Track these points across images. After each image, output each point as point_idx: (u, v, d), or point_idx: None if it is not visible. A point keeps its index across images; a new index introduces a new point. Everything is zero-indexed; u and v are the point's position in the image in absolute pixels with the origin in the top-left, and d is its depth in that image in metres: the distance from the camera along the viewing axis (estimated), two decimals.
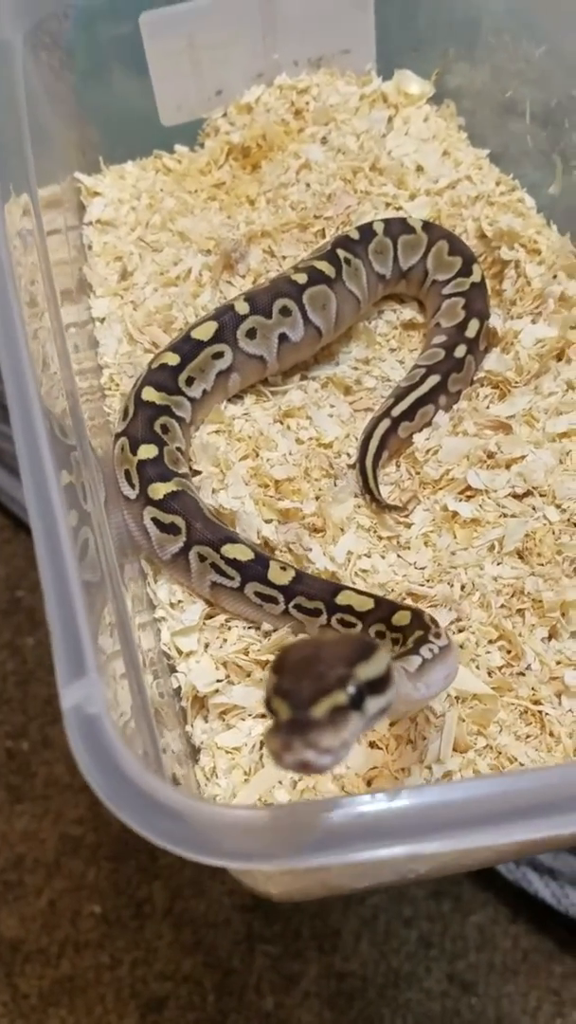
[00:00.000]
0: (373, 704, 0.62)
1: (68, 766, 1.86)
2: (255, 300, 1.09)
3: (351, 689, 0.60)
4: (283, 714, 0.58)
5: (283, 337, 1.10)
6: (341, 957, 1.71)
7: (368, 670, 0.62)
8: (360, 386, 1.16)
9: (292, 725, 0.57)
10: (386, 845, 0.56)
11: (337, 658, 0.62)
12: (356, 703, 0.60)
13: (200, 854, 0.57)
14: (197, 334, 1.07)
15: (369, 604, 0.90)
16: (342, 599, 0.90)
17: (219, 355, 1.07)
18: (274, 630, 0.95)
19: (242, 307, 1.09)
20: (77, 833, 1.81)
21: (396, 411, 1.09)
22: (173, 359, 1.05)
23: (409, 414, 1.09)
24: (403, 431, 1.09)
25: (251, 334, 1.09)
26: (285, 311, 1.10)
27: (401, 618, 0.87)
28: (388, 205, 1.28)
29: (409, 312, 1.23)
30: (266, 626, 0.95)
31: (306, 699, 0.58)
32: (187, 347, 1.06)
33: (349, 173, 1.30)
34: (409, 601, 0.97)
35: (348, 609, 0.90)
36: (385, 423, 1.08)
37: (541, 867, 1.60)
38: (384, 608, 0.89)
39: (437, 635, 0.81)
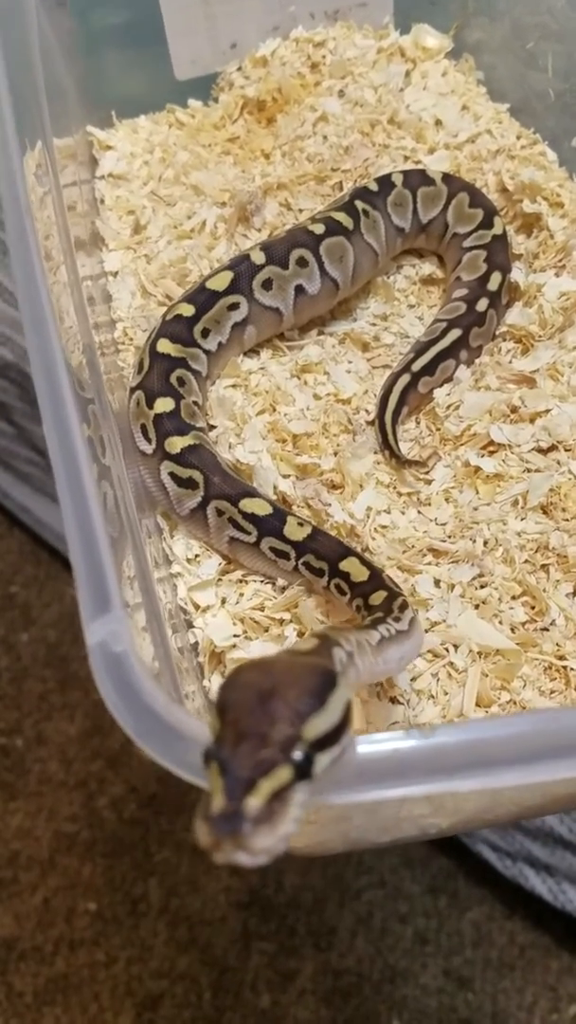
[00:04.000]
0: (324, 759, 0.55)
1: (62, 763, 1.86)
2: (271, 250, 1.07)
3: (297, 756, 0.54)
4: (216, 796, 0.52)
5: (299, 289, 1.08)
6: (337, 954, 1.71)
7: (320, 722, 0.55)
8: (378, 343, 1.13)
9: (223, 819, 0.51)
10: (418, 782, 0.54)
11: (286, 708, 0.55)
12: (303, 771, 0.54)
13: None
14: (212, 284, 1.05)
15: (364, 576, 0.86)
16: (344, 565, 0.87)
17: (234, 306, 1.05)
18: (289, 586, 0.93)
19: (258, 257, 1.06)
20: (71, 830, 1.80)
21: (416, 366, 1.06)
22: (188, 310, 1.03)
23: (429, 369, 1.07)
24: (423, 386, 1.07)
25: (267, 285, 1.06)
26: (302, 262, 1.07)
27: (376, 598, 0.83)
28: (407, 159, 1.26)
29: (428, 267, 1.20)
30: (281, 582, 0.93)
31: (243, 780, 0.52)
32: (202, 298, 1.04)
33: (367, 126, 1.27)
34: (430, 557, 0.95)
35: (346, 576, 0.87)
36: (405, 378, 1.06)
37: (538, 863, 1.60)
38: (372, 583, 0.86)
39: (397, 619, 0.78)
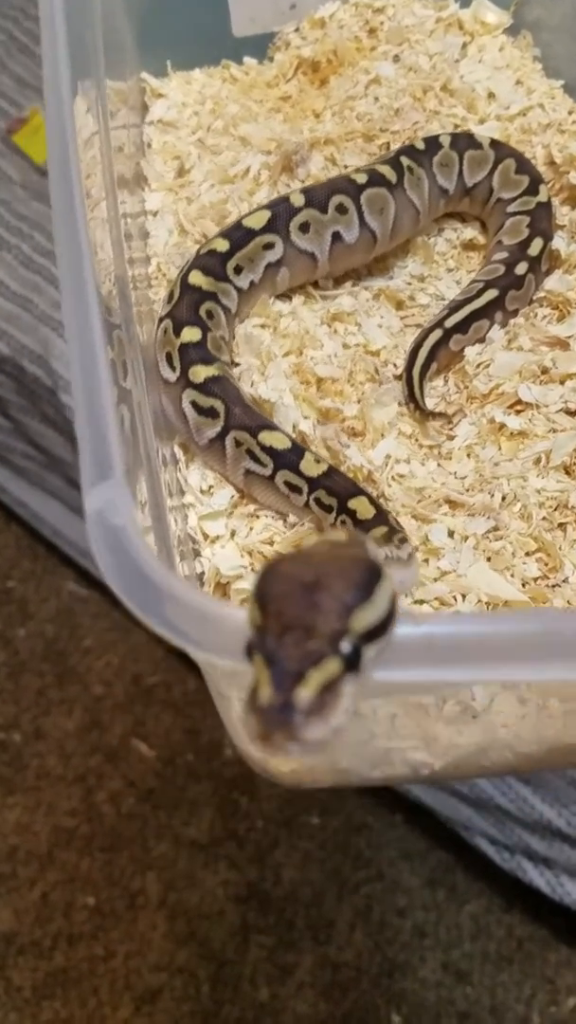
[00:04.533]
0: (371, 652, 0.54)
1: (61, 757, 1.86)
2: (311, 193, 1.06)
3: (346, 648, 0.52)
4: (263, 688, 0.50)
5: (336, 236, 1.06)
6: (336, 947, 1.70)
7: (368, 615, 0.53)
8: (413, 302, 1.12)
9: (274, 710, 0.49)
10: (438, 666, 0.54)
11: (333, 601, 0.53)
12: (352, 664, 0.52)
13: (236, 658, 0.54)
14: (249, 222, 1.04)
15: (370, 514, 0.86)
16: (353, 503, 0.86)
17: (270, 246, 1.04)
18: (299, 523, 0.92)
19: (297, 199, 1.05)
20: (70, 825, 1.80)
21: (449, 322, 1.05)
22: (222, 245, 1.02)
23: (463, 327, 1.05)
24: (455, 344, 1.05)
25: (304, 228, 1.05)
26: (341, 209, 1.06)
27: (377, 532, 0.83)
28: (456, 127, 1.24)
29: (470, 232, 1.19)
30: (292, 518, 0.92)
31: (292, 672, 0.50)
32: (238, 234, 1.03)
33: (419, 91, 1.26)
34: (445, 508, 0.93)
35: (352, 514, 0.86)
36: (437, 333, 1.04)
37: (536, 856, 1.58)
38: (376, 521, 0.85)
39: (397, 548, 0.77)
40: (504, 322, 1.07)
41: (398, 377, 1.04)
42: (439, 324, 1.05)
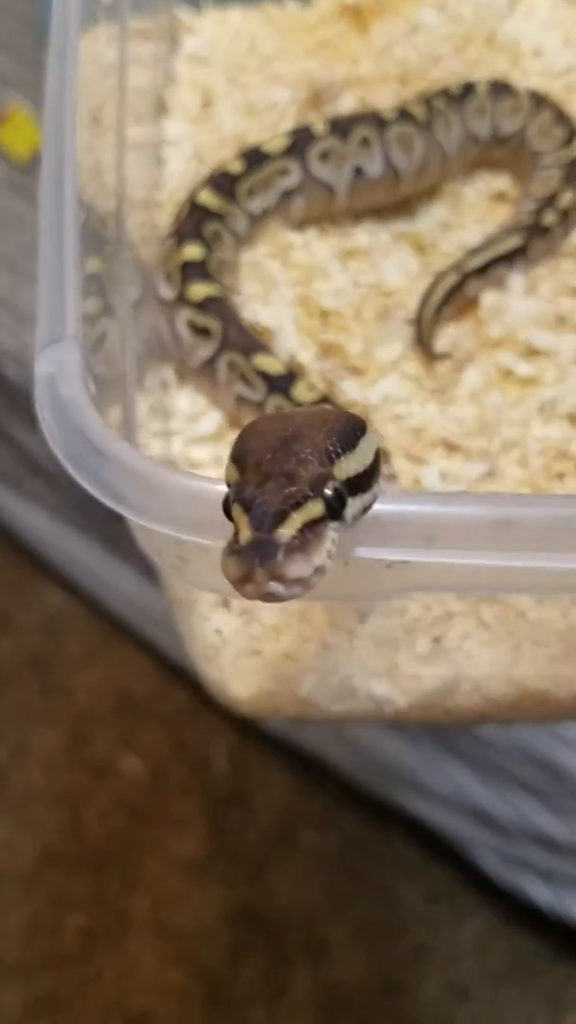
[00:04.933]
0: (356, 504, 0.52)
1: (46, 773, 1.82)
2: (335, 123, 1.03)
3: (329, 493, 0.50)
4: (243, 531, 0.49)
5: (358, 170, 1.03)
6: (332, 966, 1.66)
7: (352, 463, 0.52)
8: (435, 249, 1.07)
9: (253, 548, 0.48)
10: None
11: (314, 449, 0.52)
12: (335, 511, 0.50)
13: (185, 531, 0.52)
14: (267, 146, 1.01)
15: None
16: None
17: (286, 172, 1.00)
18: None
19: (320, 128, 1.02)
20: (56, 843, 1.76)
21: (468, 266, 1.01)
22: (236, 166, 0.99)
23: (481, 272, 1.01)
24: (472, 289, 1.01)
25: (324, 157, 1.01)
26: (365, 142, 1.02)
27: None
28: (501, 78, 1.20)
29: (502, 183, 1.14)
30: None
31: (272, 514, 0.48)
32: (253, 157, 1.00)
33: (461, 41, 1.22)
34: (441, 450, 0.89)
35: None
36: (453, 276, 1.00)
37: (537, 870, 1.54)
38: None
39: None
40: (525, 271, 1.03)
41: (409, 322, 0.99)
42: (457, 268, 1.01)
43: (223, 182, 0.98)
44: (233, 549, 0.48)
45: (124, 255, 0.86)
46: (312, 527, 0.49)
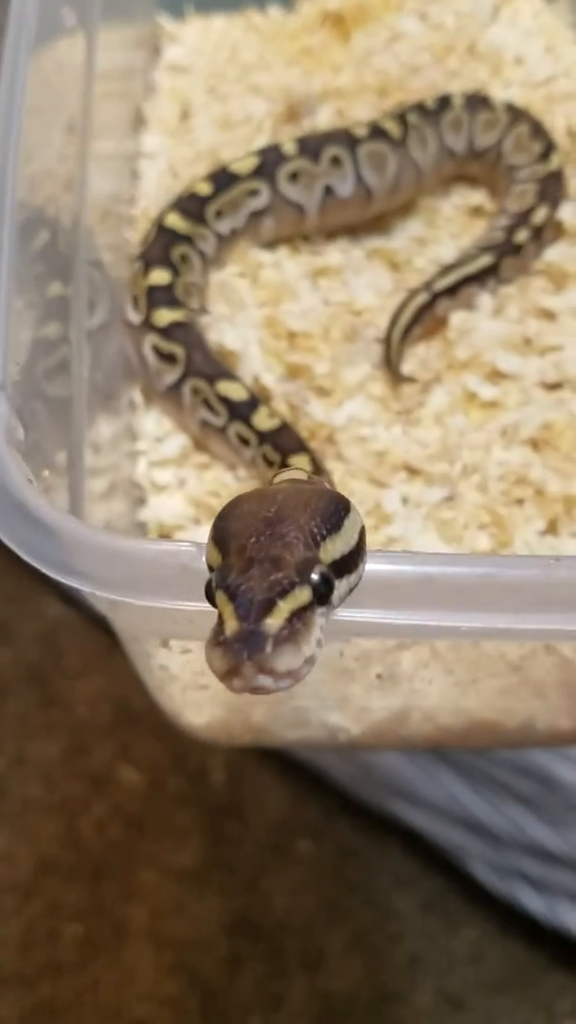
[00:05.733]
0: (343, 586, 0.51)
1: (44, 783, 1.82)
2: (305, 143, 1.02)
3: (316, 578, 0.49)
4: (228, 621, 0.47)
5: (328, 189, 1.03)
6: (328, 975, 1.66)
7: (338, 544, 0.51)
8: (409, 266, 1.07)
9: (240, 641, 0.46)
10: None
11: (298, 531, 0.50)
12: (322, 596, 0.49)
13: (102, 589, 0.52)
14: (235, 167, 1.01)
15: (307, 469, 0.80)
16: (293, 460, 0.82)
17: (255, 192, 1.00)
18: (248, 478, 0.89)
19: (290, 148, 1.02)
20: (55, 852, 1.76)
21: (438, 286, 1.01)
22: (205, 188, 0.99)
23: (451, 291, 1.01)
24: (441, 308, 1.01)
25: (294, 178, 1.01)
26: (336, 161, 1.02)
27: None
28: (477, 90, 1.19)
29: (478, 198, 1.14)
30: (243, 472, 0.89)
31: (259, 603, 0.47)
32: (222, 178, 1.00)
33: (442, 50, 1.21)
34: (403, 474, 0.90)
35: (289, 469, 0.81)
36: (423, 296, 1.00)
37: (531, 880, 1.55)
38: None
39: None
40: (496, 290, 1.03)
41: (379, 340, 1.00)
42: (427, 287, 1.01)
43: (191, 204, 0.98)
44: (219, 641, 0.46)
45: (80, 277, 0.87)
46: (300, 615, 0.47)
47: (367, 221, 1.09)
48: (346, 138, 1.04)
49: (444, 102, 1.11)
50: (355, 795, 1.69)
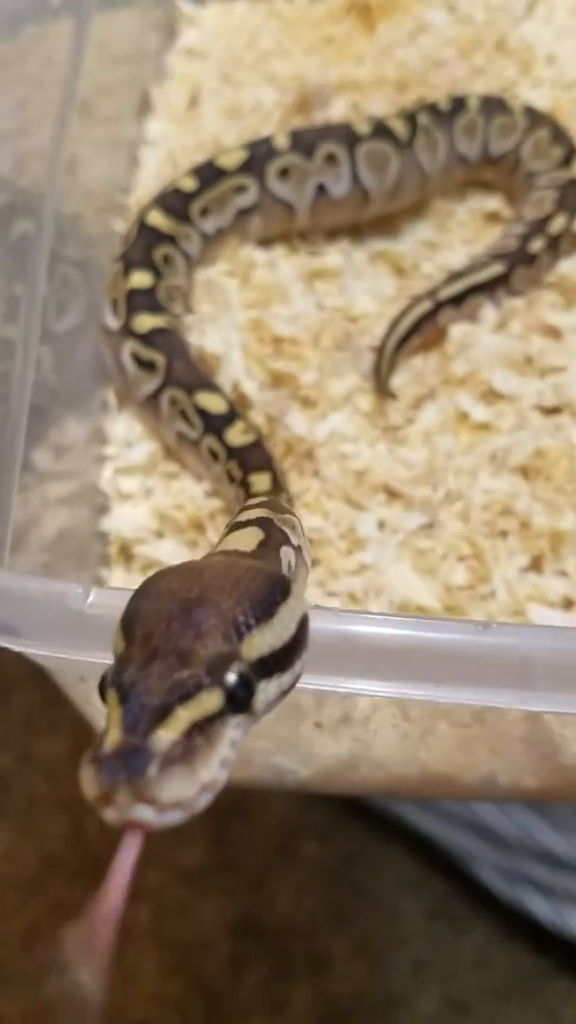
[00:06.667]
0: (269, 689, 0.43)
1: (49, 782, 1.79)
2: (299, 137, 0.96)
3: (231, 679, 0.40)
4: (111, 730, 0.38)
5: (321, 188, 0.97)
6: (332, 979, 1.63)
7: (267, 637, 0.43)
8: (416, 271, 1.02)
9: (118, 758, 0.37)
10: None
11: (219, 618, 0.42)
12: (238, 703, 0.41)
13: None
14: (221, 161, 0.95)
15: (264, 488, 0.74)
16: (253, 478, 0.75)
17: (242, 189, 0.95)
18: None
19: (282, 141, 0.96)
20: (59, 851, 1.74)
21: (442, 294, 0.94)
22: (189, 184, 0.93)
23: (456, 301, 0.95)
24: (444, 318, 0.95)
25: (284, 174, 0.95)
26: (331, 159, 0.96)
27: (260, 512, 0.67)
28: (504, 89, 1.13)
29: (495, 203, 1.08)
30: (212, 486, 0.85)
31: (152, 710, 0.38)
32: (208, 173, 0.94)
33: (469, 44, 1.15)
34: (382, 496, 0.84)
35: (248, 487, 0.75)
36: (425, 304, 0.94)
37: (539, 885, 1.51)
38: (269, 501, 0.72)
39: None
40: (506, 303, 0.97)
41: (373, 350, 0.94)
42: (430, 295, 0.95)
43: (174, 201, 0.92)
44: (95, 755, 0.38)
45: (70, 276, 0.83)
46: (204, 727, 0.39)
47: (373, 221, 1.03)
48: (346, 134, 0.98)
49: (459, 104, 1.05)
50: (361, 797, 1.67)
